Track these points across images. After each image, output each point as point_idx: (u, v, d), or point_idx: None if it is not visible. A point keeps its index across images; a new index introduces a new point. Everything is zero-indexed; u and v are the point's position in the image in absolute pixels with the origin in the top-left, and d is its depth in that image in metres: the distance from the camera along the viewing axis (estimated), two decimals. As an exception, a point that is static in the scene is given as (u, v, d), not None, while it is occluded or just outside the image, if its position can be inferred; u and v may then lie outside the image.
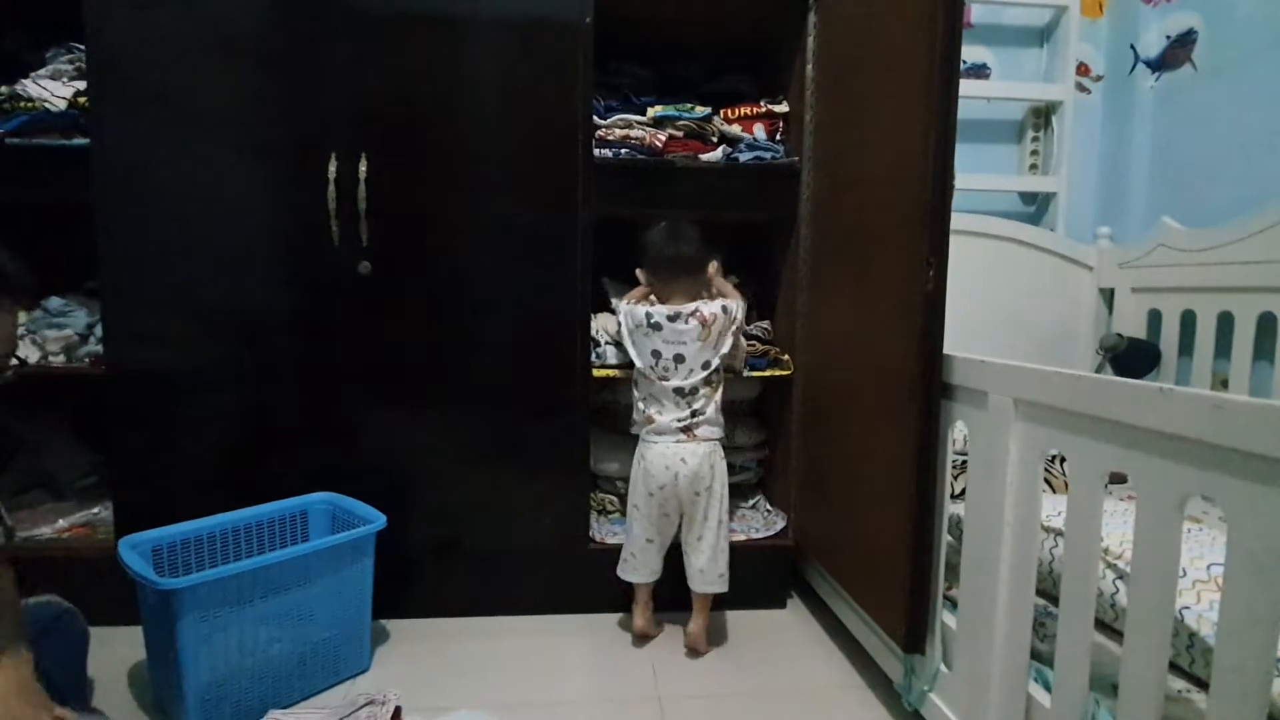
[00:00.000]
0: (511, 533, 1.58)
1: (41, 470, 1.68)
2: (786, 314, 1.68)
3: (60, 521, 1.55)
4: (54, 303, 1.58)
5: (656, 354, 1.44)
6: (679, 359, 1.44)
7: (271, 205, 1.50)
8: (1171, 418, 0.75)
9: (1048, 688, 0.97)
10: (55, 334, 1.55)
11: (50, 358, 1.54)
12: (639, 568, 1.47)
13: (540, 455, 1.59)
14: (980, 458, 1.06)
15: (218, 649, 1.13)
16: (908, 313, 1.15)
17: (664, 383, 1.44)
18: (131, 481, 1.51)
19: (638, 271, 1.51)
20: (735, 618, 1.58)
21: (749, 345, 1.64)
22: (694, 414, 1.44)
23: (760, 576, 1.64)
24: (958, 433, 1.17)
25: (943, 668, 1.14)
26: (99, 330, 1.56)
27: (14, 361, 0.81)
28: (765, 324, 1.73)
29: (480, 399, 1.56)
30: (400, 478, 1.53)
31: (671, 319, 1.44)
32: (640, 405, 1.48)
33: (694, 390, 1.44)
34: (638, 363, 1.46)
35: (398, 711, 1.16)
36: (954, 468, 1.20)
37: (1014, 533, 1.00)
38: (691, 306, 1.44)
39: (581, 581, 1.60)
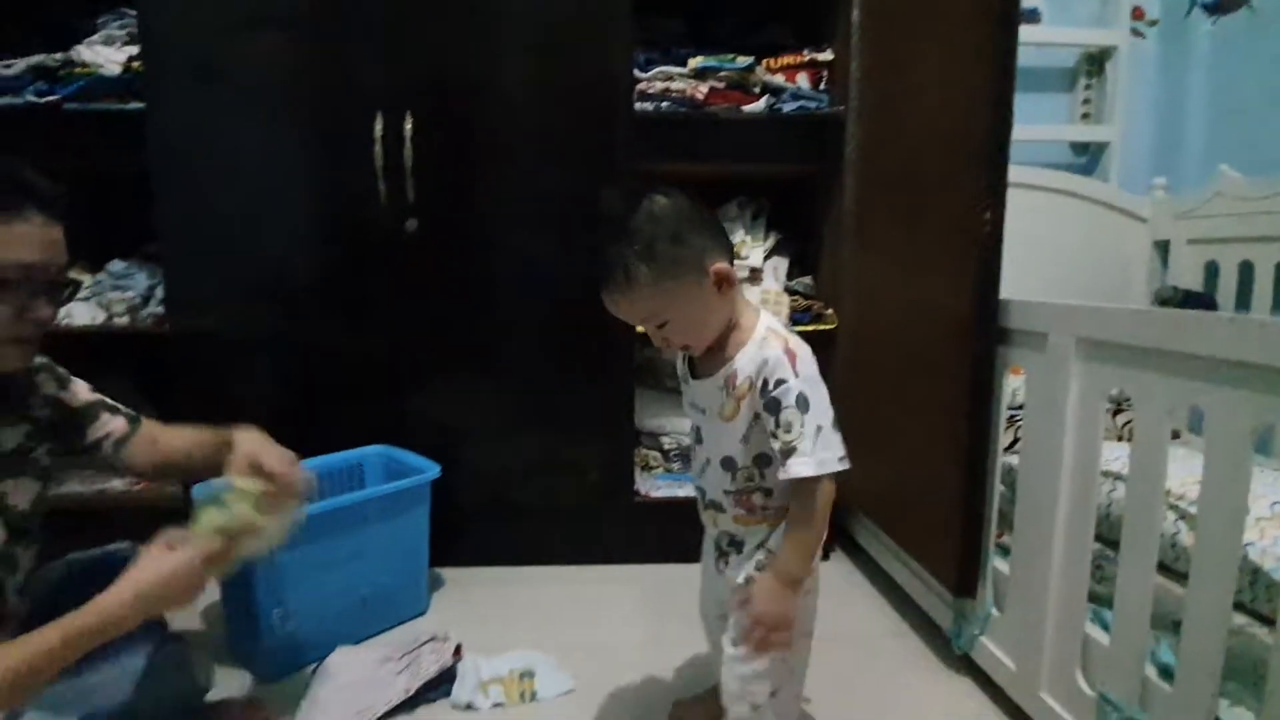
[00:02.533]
0: (558, 487, 1.62)
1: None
2: (830, 268, 1.67)
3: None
4: (116, 266, 1.64)
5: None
6: (699, 438, 0.90)
7: (319, 167, 1.53)
8: (1243, 346, 0.74)
9: (1105, 627, 0.97)
10: (119, 296, 1.61)
11: (115, 319, 1.60)
12: None
13: (585, 412, 1.61)
14: (1038, 401, 1.05)
15: (288, 589, 1.19)
16: (962, 258, 1.14)
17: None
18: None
19: (720, 270, 0.81)
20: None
21: (792, 300, 1.63)
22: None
23: (803, 530, 1.65)
24: (1009, 386, 1.15)
25: (994, 612, 1.14)
26: (159, 292, 1.62)
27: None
28: (807, 279, 1.72)
29: (525, 357, 1.58)
30: (450, 433, 1.57)
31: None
32: None
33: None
34: None
35: (458, 649, 1.21)
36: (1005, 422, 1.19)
37: (1073, 475, 0.99)
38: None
39: (627, 533, 1.63)
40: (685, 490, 1.63)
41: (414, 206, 1.50)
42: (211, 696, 1.04)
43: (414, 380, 1.57)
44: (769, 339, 0.80)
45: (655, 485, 1.66)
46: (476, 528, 1.61)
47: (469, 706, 1.12)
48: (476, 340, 1.57)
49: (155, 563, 0.81)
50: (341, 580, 1.26)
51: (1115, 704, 0.88)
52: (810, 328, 1.63)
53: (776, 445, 0.78)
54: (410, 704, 1.11)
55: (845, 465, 0.79)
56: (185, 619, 1.34)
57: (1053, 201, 2.02)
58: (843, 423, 1.67)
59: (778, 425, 0.78)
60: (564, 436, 1.60)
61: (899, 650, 1.30)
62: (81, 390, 0.99)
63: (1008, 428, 1.27)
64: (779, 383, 0.77)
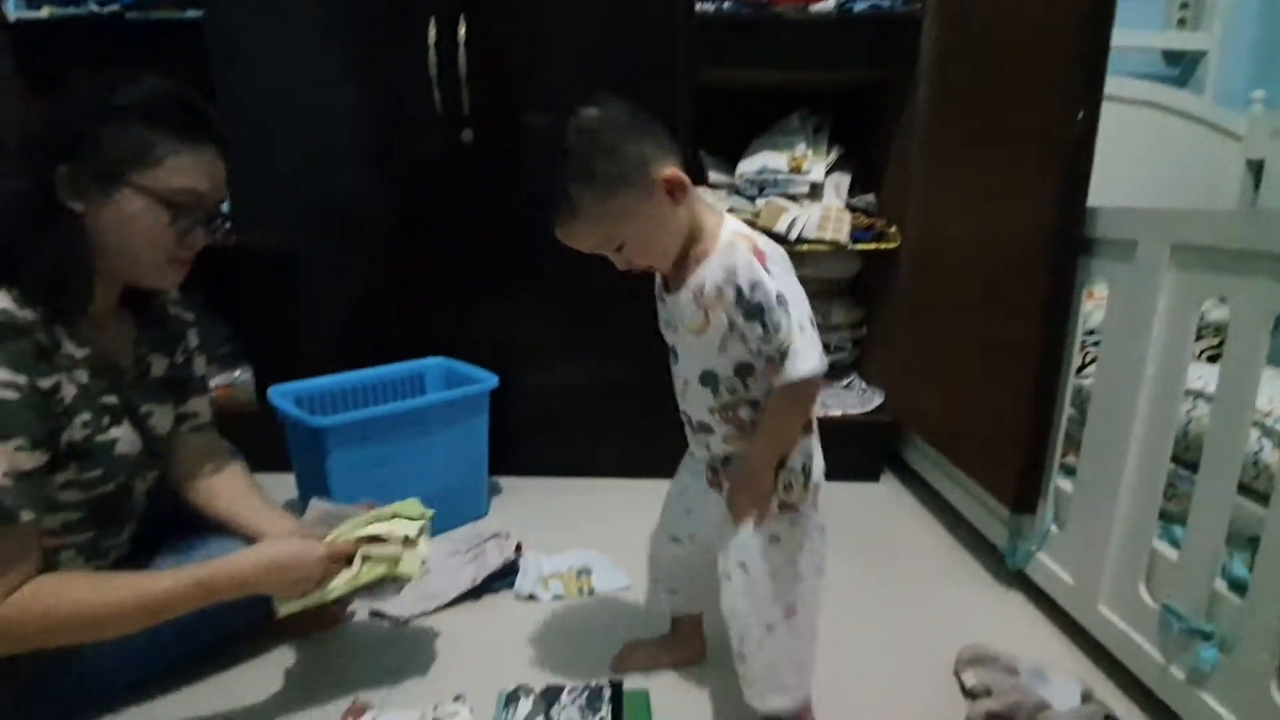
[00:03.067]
0: (609, 402, 1.64)
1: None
2: (896, 184, 1.60)
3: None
4: (181, 179, 1.68)
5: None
6: (675, 357, 0.84)
7: (374, 74, 1.51)
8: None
9: (1173, 543, 0.96)
10: (185, 208, 1.65)
11: (183, 231, 1.64)
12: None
13: (637, 328, 1.61)
14: (1121, 316, 1.01)
15: (359, 485, 1.25)
16: (1047, 164, 1.08)
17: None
18: (265, 349, 1.65)
19: (668, 176, 0.74)
20: (830, 489, 1.60)
21: (854, 218, 1.57)
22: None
23: (855, 452, 1.65)
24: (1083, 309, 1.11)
25: (1053, 528, 1.14)
26: (224, 206, 1.66)
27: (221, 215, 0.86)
28: (870, 197, 1.65)
29: (579, 273, 1.57)
30: (505, 348, 1.59)
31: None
32: None
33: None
34: None
35: (519, 546, 1.27)
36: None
37: (1153, 392, 0.95)
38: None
39: (676, 448, 1.65)
40: (736, 410, 1.64)
41: (469, 117, 1.48)
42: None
43: (471, 295, 1.59)
44: (736, 242, 0.73)
45: (706, 404, 1.66)
46: (531, 440, 1.66)
47: (531, 597, 1.18)
48: (530, 255, 1.57)
49: (289, 553, 0.84)
50: (408, 482, 1.31)
51: (1180, 614, 0.88)
52: (871, 246, 1.58)
53: (769, 349, 0.72)
54: (476, 593, 1.18)
55: (823, 365, 0.74)
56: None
57: (1138, 116, 1.87)
58: (901, 344, 1.65)
59: (765, 329, 0.71)
60: (616, 351, 1.61)
61: (950, 566, 1.32)
62: (203, 364, 1.04)
63: (1080, 350, 1.24)
64: (754, 285, 0.71)
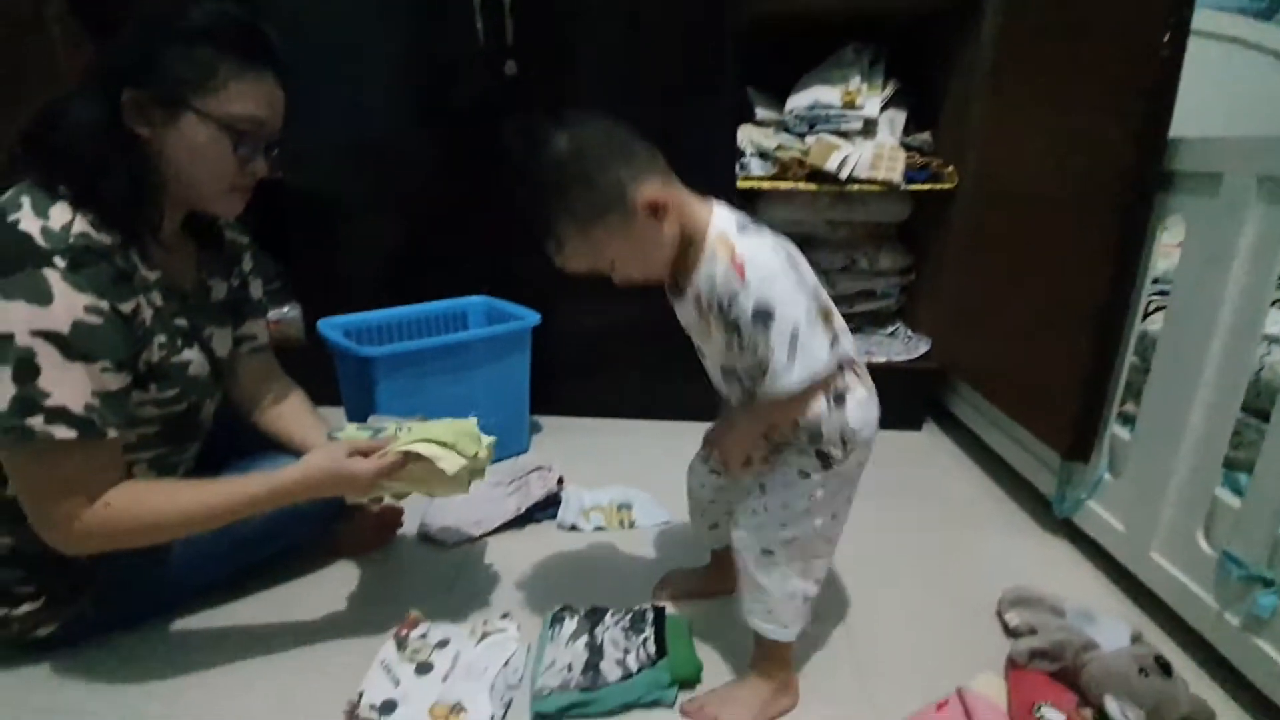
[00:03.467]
0: (651, 345, 1.63)
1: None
2: (954, 121, 1.52)
3: (257, 318, 1.75)
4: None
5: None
6: (700, 353, 0.85)
7: (416, 9, 1.47)
8: None
9: (1236, 491, 0.92)
10: (232, 144, 1.66)
11: (231, 167, 1.66)
12: None
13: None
14: (1198, 255, 0.95)
15: (405, 412, 1.28)
16: (1128, 92, 1.01)
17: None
18: (313, 286, 1.68)
19: (647, 197, 0.72)
20: (869, 436, 1.60)
21: (908, 156, 1.51)
22: None
23: (897, 400, 1.62)
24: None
25: (1107, 476, 1.11)
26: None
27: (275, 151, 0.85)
28: (926, 135, 1.58)
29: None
30: (547, 287, 1.58)
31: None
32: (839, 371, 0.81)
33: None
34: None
35: (561, 479, 1.29)
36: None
37: (1229, 335, 0.91)
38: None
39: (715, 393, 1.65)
40: (777, 355, 1.62)
41: (513, 49, 1.44)
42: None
43: (514, 234, 1.58)
44: (717, 251, 0.70)
45: (746, 349, 1.65)
46: (571, 381, 1.67)
47: (573, 528, 1.20)
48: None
49: (340, 464, 0.84)
50: (452, 415, 1.34)
51: (1240, 561, 0.85)
52: (925, 187, 1.52)
53: (750, 362, 0.73)
54: (520, 522, 1.21)
55: (831, 363, 0.71)
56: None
57: (1220, 51, 1.74)
58: (952, 290, 1.59)
59: (743, 346, 0.71)
60: (658, 293, 1.59)
61: (993, 514, 1.30)
62: (260, 285, 1.06)
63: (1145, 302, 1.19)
64: (731, 300, 0.69)
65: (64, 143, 0.75)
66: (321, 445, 0.91)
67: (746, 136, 1.58)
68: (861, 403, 0.79)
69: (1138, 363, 1.13)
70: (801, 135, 1.56)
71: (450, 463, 0.87)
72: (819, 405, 0.76)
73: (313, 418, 1.04)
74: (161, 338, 0.83)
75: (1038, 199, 1.24)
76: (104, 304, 0.73)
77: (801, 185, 1.51)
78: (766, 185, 1.53)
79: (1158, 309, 1.14)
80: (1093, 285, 1.08)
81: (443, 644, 0.91)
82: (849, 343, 0.79)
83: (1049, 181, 1.21)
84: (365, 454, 0.86)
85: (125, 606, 0.92)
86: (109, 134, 0.76)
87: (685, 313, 0.79)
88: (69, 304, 0.71)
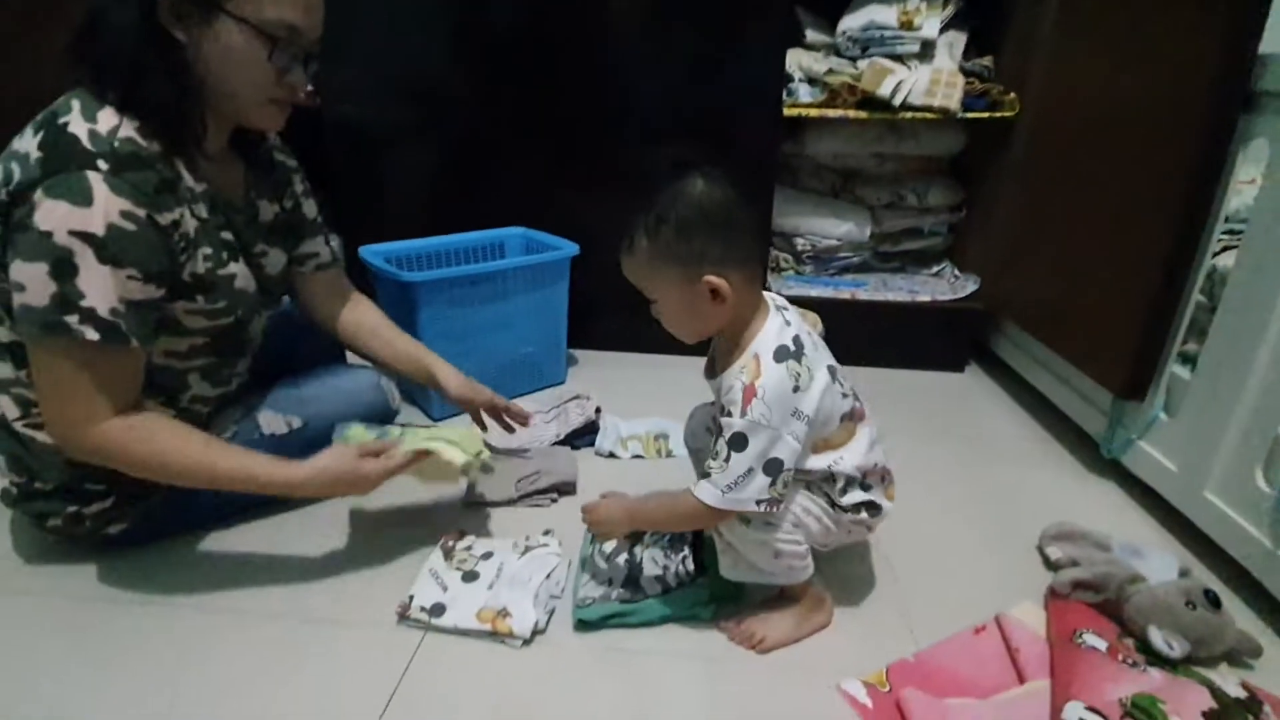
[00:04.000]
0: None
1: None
2: (1019, 44, 1.43)
3: (297, 247, 1.77)
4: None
5: (832, 370, 0.80)
6: (823, 345, 0.85)
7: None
8: None
9: (1301, 431, 0.89)
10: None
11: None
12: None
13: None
14: (1283, 180, 0.89)
15: (447, 344, 1.29)
16: (1213, 3, 0.93)
17: (860, 403, 0.84)
18: (353, 216, 1.67)
19: (720, 284, 0.74)
20: (912, 377, 1.57)
21: (967, 83, 1.43)
22: None
23: (940, 340, 1.59)
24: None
25: (1162, 416, 1.08)
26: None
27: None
28: (987, 60, 1.49)
29: (660, 150, 1.51)
30: (584, 221, 1.56)
31: (781, 308, 0.82)
32: (839, 480, 0.81)
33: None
34: (818, 433, 0.78)
35: (599, 409, 1.30)
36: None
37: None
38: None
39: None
40: (815, 291, 1.59)
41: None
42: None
43: (552, 167, 1.56)
44: (747, 366, 0.75)
45: (785, 286, 1.62)
46: (608, 315, 1.66)
47: (611, 455, 1.22)
48: (614, 129, 1.51)
49: (351, 467, 0.85)
50: (492, 344, 1.36)
51: (1302, 500, 0.83)
52: (984, 115, 1.44)
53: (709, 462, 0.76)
54: (557, 447, 1.23)
55: (756, 509, 0.74)
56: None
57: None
58: (1005, 227, 1.52)
59: (713, 452, 0.76)
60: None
61: (1038, 454, 1.28)
62: (315, 205, 1.05)
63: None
64: (726, 413, 0.74)
65: (104, 47, 0.75)
66: (342, 442, 0.92)
67: (795, 61, 1.51)
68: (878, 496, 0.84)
69: (1204, 301, 1.08)
70: (854, 59, 1.48)
71: (456, 455, 0.91)
72: (837, 488, 0.81)
73: (400, 331, 1.09)
74: (207, 250, 0.83)
75: (1107, 125, 1.17)
76: (140, 212, 0.73)
77: (851, 113, 1.45)
78: (814, 113, 1.46)
79: (1226, 248, 1.08)
80: (1165, 215, 1.02)
81: (487, 555, 0.94)
82: (871, 452, 0.82)
83: (1121, 105, 1.14)
84: (375, 454, 0.88)
85: (189, 508, 0.96)
86: (146, 36, 0.74)
87: (716, 390, 0.82)
88: (106, 207, 0.71)
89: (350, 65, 1.53)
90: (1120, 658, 0.75)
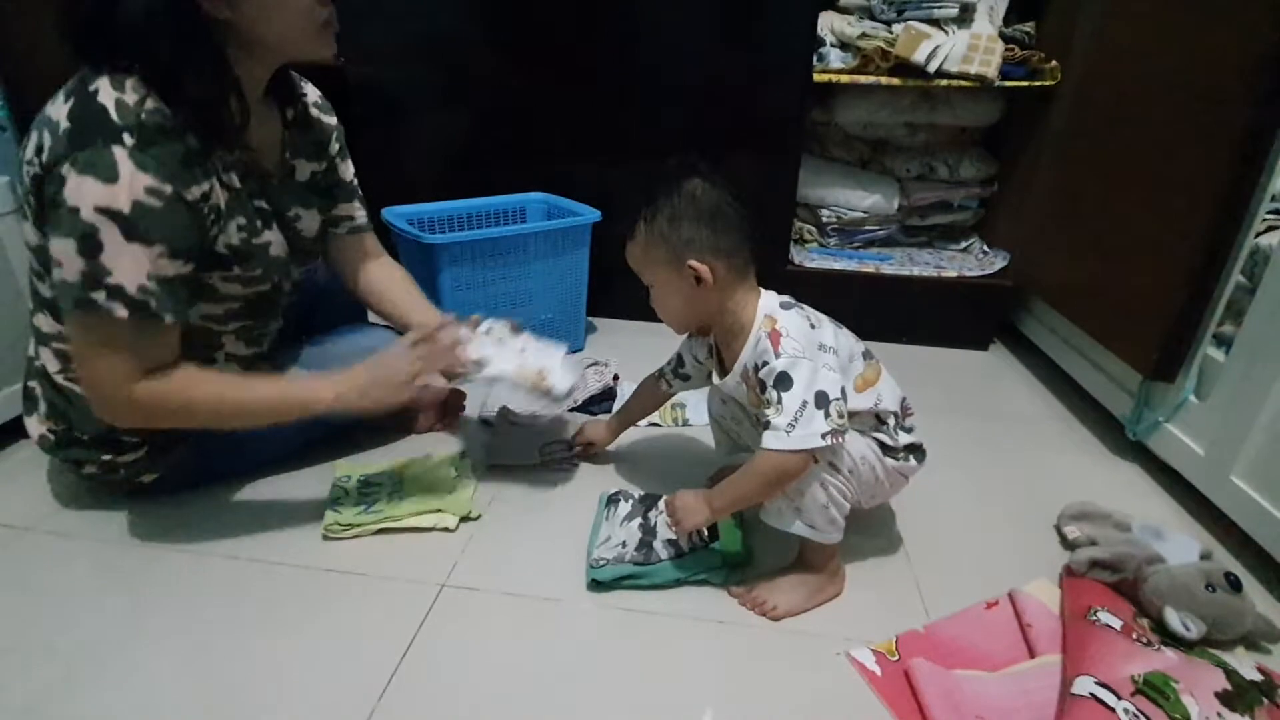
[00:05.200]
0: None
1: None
2: (1063, 9, 1.37)
3: (320, 208, 1.78)
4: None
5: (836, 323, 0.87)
6: (724, 429, 1.04)
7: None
8: None
9: (1339, 417, 0.86)
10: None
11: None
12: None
13: (746, 181, 1.52)
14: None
15: (467, 306, 1.28)
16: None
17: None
18: (376, 178, 1.67)
19: (703, 269, 0.81)
20: (935, 354, 1.55)
21: (1006, 49, 1.37)
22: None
23: (967, 316, 1.56)
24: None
25: (1192, 398, 1.05)
26: (329, 25, 1.64)
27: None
28: (1029, 26, 1.43)
29: (682, 118, 1.48)
30: (605, 188, 1.55)
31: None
32: (886, 421, 0.85)
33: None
34: (852, 370, 0.83)
35: (616, 375, 1.30)
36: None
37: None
38: None
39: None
40: (839, 264, 1.57)
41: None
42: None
43: (575, 133, 1.54)
44: (762, 325, 0.81)
45: (809, 257, 1.60)
46: (628, 284, 1.64)
47: (628, 422, 1.22)
48: (637, 96, 1.49)
49: (379, 365, 0.88)
50: (512, 308, 1.36)
51: (1334, 487, 0.81)
52: (1022, 84, 1.39)
53: (764, 414, 0.78)
54: (576, 414, 1.24)
55: (825, 443, 0.75)
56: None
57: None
58: (1039, 201, 1.48)
59: (764, 403, 0.78)
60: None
61: (1061, 434, 1.26)
62: (351, 168, 1.05)
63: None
64: (763, 365, 0.78)
65: (135, 39, 0.71)
66: (334, 513, 0.94)
67: (827, 24, 1.46)
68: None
69: (1244, 281, 1.04)
70: (888, 23, 1.43)
71: (449, 520, 0.95)
72: (888, 430, 0.85)
73: (415, 294, 1.09)
74: (240, 220, 0.83)
75: (1152, 96, 1.12)
76: (167, 188, 0.72)
77: (884, 80, 1.41)
78: (845, 79, 1.42)
79: (1271, 228, 1.04)
80: (1207, 191, 0.99)
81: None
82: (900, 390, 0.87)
83: (1171, 74, 1.09)
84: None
85: (218, 458, 0.98)
86: (186, 30, 0.72)
87: (732, 390, 0.88)
88: (132, 183, 0.70)
89: (375, 26, 1.52)
90: (1134, 636, 0.75)
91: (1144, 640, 0.75)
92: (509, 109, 1.55)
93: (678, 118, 1.49)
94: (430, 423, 1.18)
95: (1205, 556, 0.85)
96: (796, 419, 0.74)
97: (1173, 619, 0.77)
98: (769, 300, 0.83)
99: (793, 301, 0.83)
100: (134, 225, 0.71)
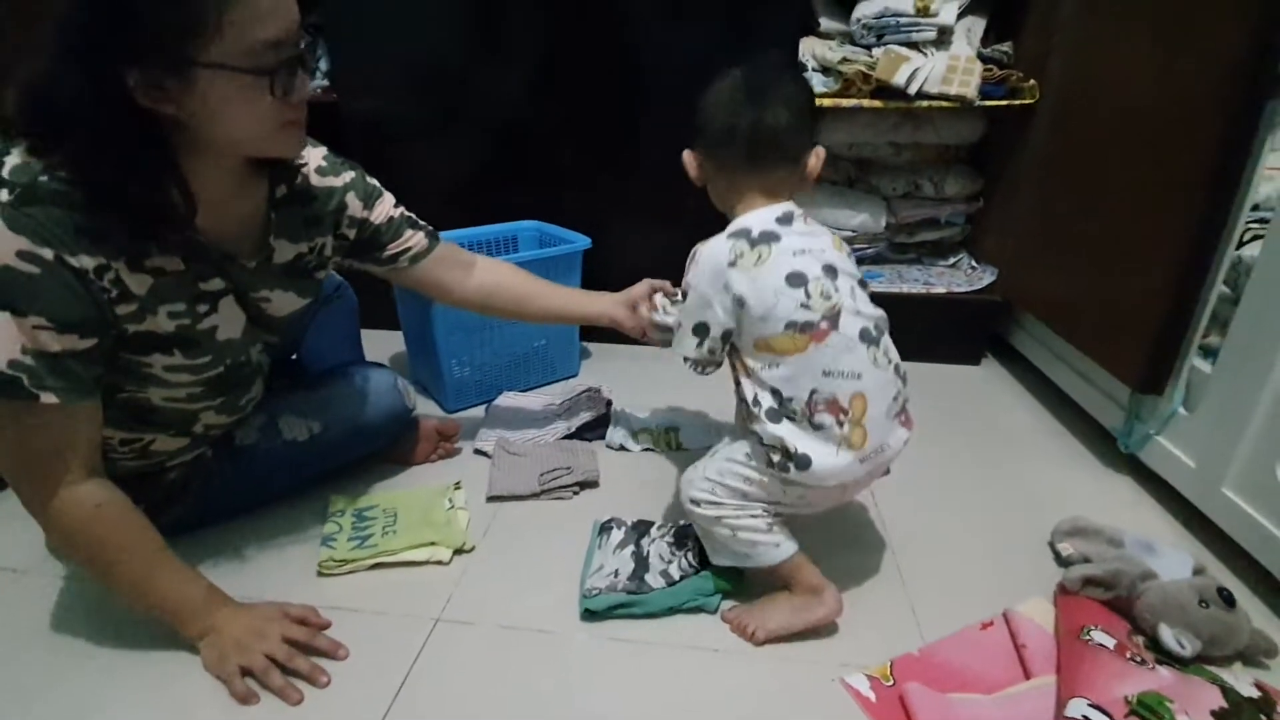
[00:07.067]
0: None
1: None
2: (1040, 28, 1.39)
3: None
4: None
5: (798, 278, 0.77)
6: (831, 271, 0.79)
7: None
8: None
9: (1325, 426, 0.87)
10: (288, 66, 1.66)
11: (287, 90, 1.67)
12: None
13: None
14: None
15: (460, 337, 1.31)
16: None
17: (836, 328, 0.77)
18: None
19: (687, 157, 0.86)
20: (928, 370, 1.55)
21: (985, 69, 1.40)
22: (903, 378, 0.83)
23: (957, 332, 1.57)
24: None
25: (1181, 410, 1.06)
26: (324, 64, 1.67)
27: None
28: (1006, 46, 1.46)
29: (672, 143, 1.50)
30: (598, 215, 1.56)
31: (785, 220, 0.81)
32: (789, 401, 0.77)
33: (880, 330, 0.82)
34: (758, 328, 0.78)
35: (609, 401, 1.31)
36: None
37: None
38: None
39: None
40: (831, 284, 1.57)
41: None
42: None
43: (565, 161, 1.57)
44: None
45: (800, 278, 1.61)
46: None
47: (621, 448, 1.23)
48: (627, 124, 1.51)
49: (250, 631, 0.78)
50: (505, 338, 1.37)
51: (1323, 498, 0.81)
52: (1002, 103, 1.41)
53: None
54: (569, 440, 1.24)
55: (685, 365, 0.85)
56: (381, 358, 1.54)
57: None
58: (1024, 216, 1.50)
59: None
60: (707, 222, 1.56)
61: (1053, 448, 1.26)
62: (388, 205, 0.99)
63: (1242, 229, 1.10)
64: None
65: (60, 122, 0.63)
66: (328, 549, 0.94)
67: (809, 49, 1.49)
68: (810, 442, 0.77)
69: (1227, 292, 1.05)
70: (869, 47, 1.46)
71: (442, 554, 0.95)
72: (760, 409, 0.79)
73: (530, 287, 1.11)
74: (176, 305, 0.74)
75: (1130, 111, 1.14)
76: (45, 252, 0.63)
77: (866, 103, 1.43)
78: (828, 103, 1.44)
79: (1254, 237, 1.05)
80: (1188, 204, 1.00)
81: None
82: (827, 379, 0.77)
83: (1145, 91, 1.11)
84: (299, 621, 0.81)
85: (215, 507, 0.98)
86: (132, 132, 0.64)
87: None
88: (2, 246, 0.62)
89: (367, 60, 1.55)
90: (1128, 655, 0.75)
91: (1138, 659, 0.74)
92: (501, 139, 1.57)
93: (667, 142, 1.50)
94: (428, 452, 1.19)
95: (1198, 571, 0.85)
96: (677, 333, 0.84)
97: (1167, 636, 0.76)
98: (746, 217, 0.80)
99: (752, 234, 0.78)
100: (2, 293, 0.63)
